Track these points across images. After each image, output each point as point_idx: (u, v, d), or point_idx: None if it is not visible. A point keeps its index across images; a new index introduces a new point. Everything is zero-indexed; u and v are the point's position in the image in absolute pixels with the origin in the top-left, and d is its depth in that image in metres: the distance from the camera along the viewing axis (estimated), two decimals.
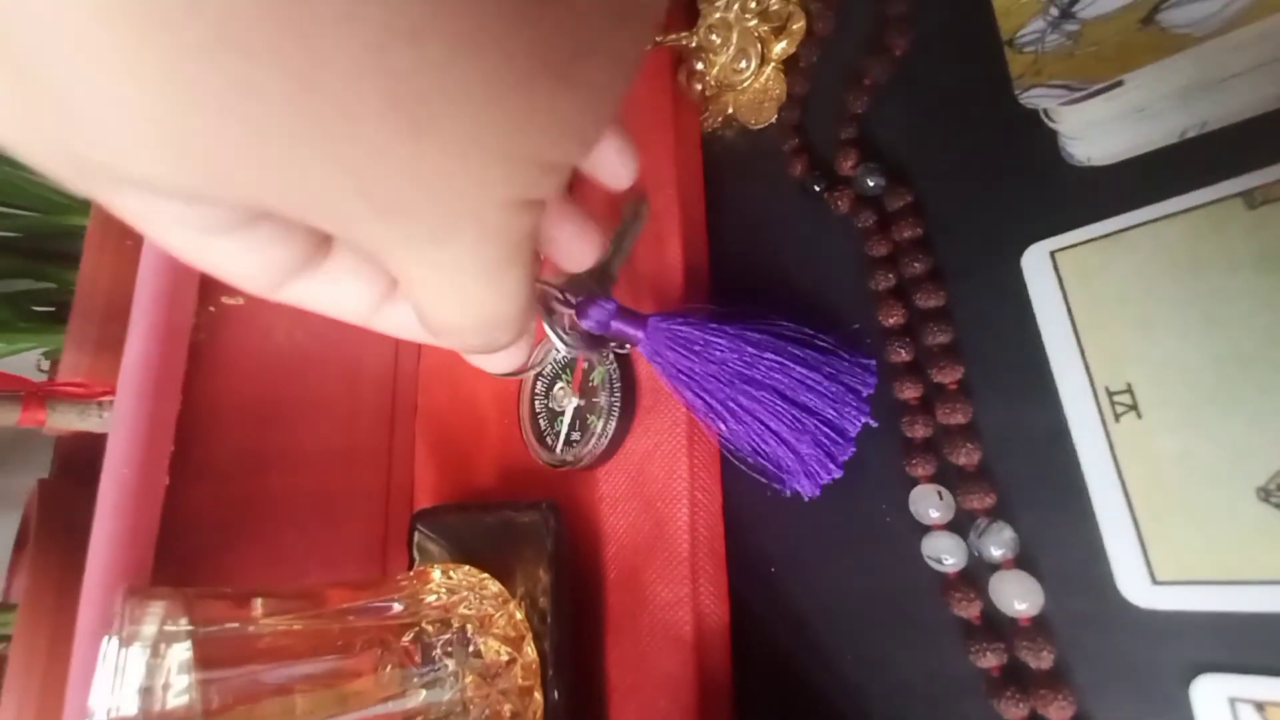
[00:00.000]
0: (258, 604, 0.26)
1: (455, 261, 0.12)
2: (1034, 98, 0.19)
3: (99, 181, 0.11)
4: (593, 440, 0.29)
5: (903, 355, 0.24)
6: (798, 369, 0.24)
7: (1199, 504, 0.18)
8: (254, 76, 0.09)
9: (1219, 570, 0.18)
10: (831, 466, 0.24)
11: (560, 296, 0.24)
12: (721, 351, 0.24)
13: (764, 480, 0.25)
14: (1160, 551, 0.19)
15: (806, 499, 0.25)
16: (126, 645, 0.22)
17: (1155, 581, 0.19)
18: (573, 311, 0.25)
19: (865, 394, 0.24)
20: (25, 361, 0.50)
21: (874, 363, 0.25)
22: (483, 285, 0.13)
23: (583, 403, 0.31)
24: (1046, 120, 0.20)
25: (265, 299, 0.15)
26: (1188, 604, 0.18)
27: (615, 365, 0.30)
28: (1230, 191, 0.19)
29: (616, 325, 0.25)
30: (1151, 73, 0.17)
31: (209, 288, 0.37)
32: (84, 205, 0.47)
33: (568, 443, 0.31)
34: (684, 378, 0.25)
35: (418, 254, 0.12)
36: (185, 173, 0.10)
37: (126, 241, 0.41)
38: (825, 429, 0.24)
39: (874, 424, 0.24)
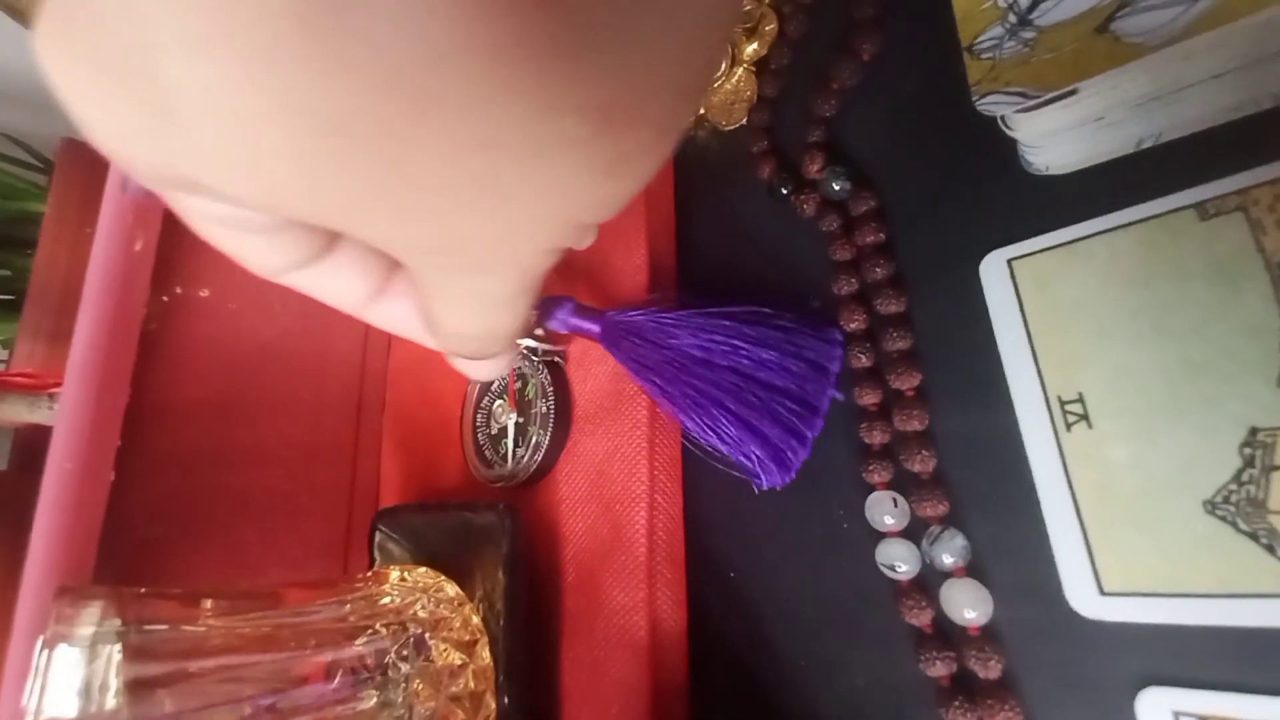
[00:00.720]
0: (207, 604, 0.25)
1: (486, 289, 0.14)
2: (990, 104, 0.19)
3: (177, 187, 0.12)
4: (528, 454, 0.30)
5: (863, 361, 0.24)
6: (755, 349, 0.23)
7: (1147, 515, 0.18)
8: (361, 148, 0.10)
9: (1166, 582, 0.18)
10: (797, 446, 0.23)
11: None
12: (676, 338, 0.24)
13: (732, 472, 0.25)
14: (1108, 562, 0.19)
15: (779, 488, 0.24)
16: (56, 645, 0.21)
17: (1103, 592, 0.19)
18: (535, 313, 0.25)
19: (832, 370, 0.24)
20: None
21: (839, 334, 0.24)
22: (501, 308, 0.15)
23: (521, 419, 0.32)
24: (1004, 128, 0.20)
25: (262, 280, 0.15)
26: (1134, 615, 0.18)
27: (548, 376, 0.30)
28: (1184, 203, 0.19)
29: (574, 321, 0.26)
30: (1105, 81, 0.17)
31: (163, 277, 0.36)
32: (42, 191, 0.46)
33: (511, 459, 0.32)
34: (640, 366, 0.25)
35: (454, 279, 0.14)
36: (275, 197, 0.11)
37: (85, 230, 0.40)
38: (789, 405, 0.23)
39: (840, 397, 0.24)
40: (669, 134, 0.12)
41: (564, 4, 0.09)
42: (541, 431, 0.30)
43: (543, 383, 0.30)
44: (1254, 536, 0.17)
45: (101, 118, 0.11)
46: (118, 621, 0.22)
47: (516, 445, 0.32)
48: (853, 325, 0.25)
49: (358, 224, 0.12)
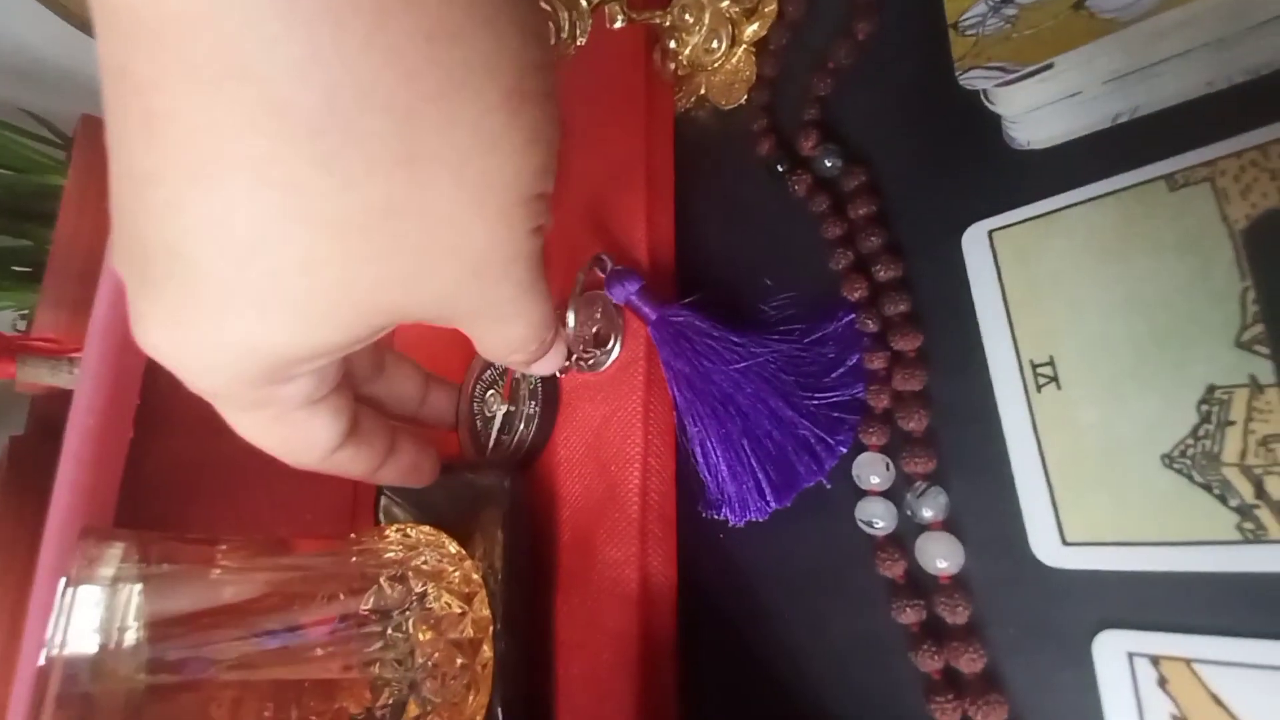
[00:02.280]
0: (222, 547, 0.27)
1: (513, 289, 0.17)
2: (972, 79, 0.20)
3: (268, 382, 0.16)
4: (513, 444, 0.32)
5: (870, 326, 0.25)
6: (774, 411, 0.25)
7: (1109, 470, 0.19)
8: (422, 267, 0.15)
9: (1124, 532, 0.19)
10: (751, 509, 0.25)
11: (601, 258, 0.30)
12: (711, 363, 0.26)
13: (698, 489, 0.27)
14: (1071, 514, 0.20)
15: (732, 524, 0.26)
16: (79, 584, 0.22)
17: (1065, 543, 0.20)
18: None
19: (828, 462, 0.25)
20: (1, 319, 0.50)
21: (855, 424, 0.25)
22: (530, 298, 0.18)
23: (511, 408, 0.33)
24: (987, 103, 0.21)
25: None
26: (1094, 564, 0.19)
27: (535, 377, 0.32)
28: (1154, 175, 0.20)
29: (635, 300, 0.28)
30: (1080, 55, 0.18)
31: None
32: (62, 165, 0.47)
33: (495, 445, 0.33)
34: (673, 373, 0.27)
35: (492, 297, 0.17)
36: (353, 320, 0.15)
37: (104, 203, 0.41)
38: (767, 473, 0.25)
39: (828, 485, 0.25)
40: (548, 104, 0.15)
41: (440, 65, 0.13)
42: (527, 426, 0.32)
43: (534, 379, 0.32)
44: (1208, 488, 0.18)
45: (213, 352, 0.15)
46: (139, 562, 0.24)
47: (502, 433, 0.33)
48: (856, 294, 0.25)
49: (418, 300, 0.16)
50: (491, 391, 0.35)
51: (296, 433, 0.18)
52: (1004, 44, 0.19)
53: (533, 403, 0.32)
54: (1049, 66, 0.19)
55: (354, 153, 0.12)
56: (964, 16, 0.21)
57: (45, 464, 0.42)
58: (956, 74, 0.20)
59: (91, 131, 0.45)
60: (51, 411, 0.52)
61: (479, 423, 0.35)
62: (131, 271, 0.15)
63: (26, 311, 0.51)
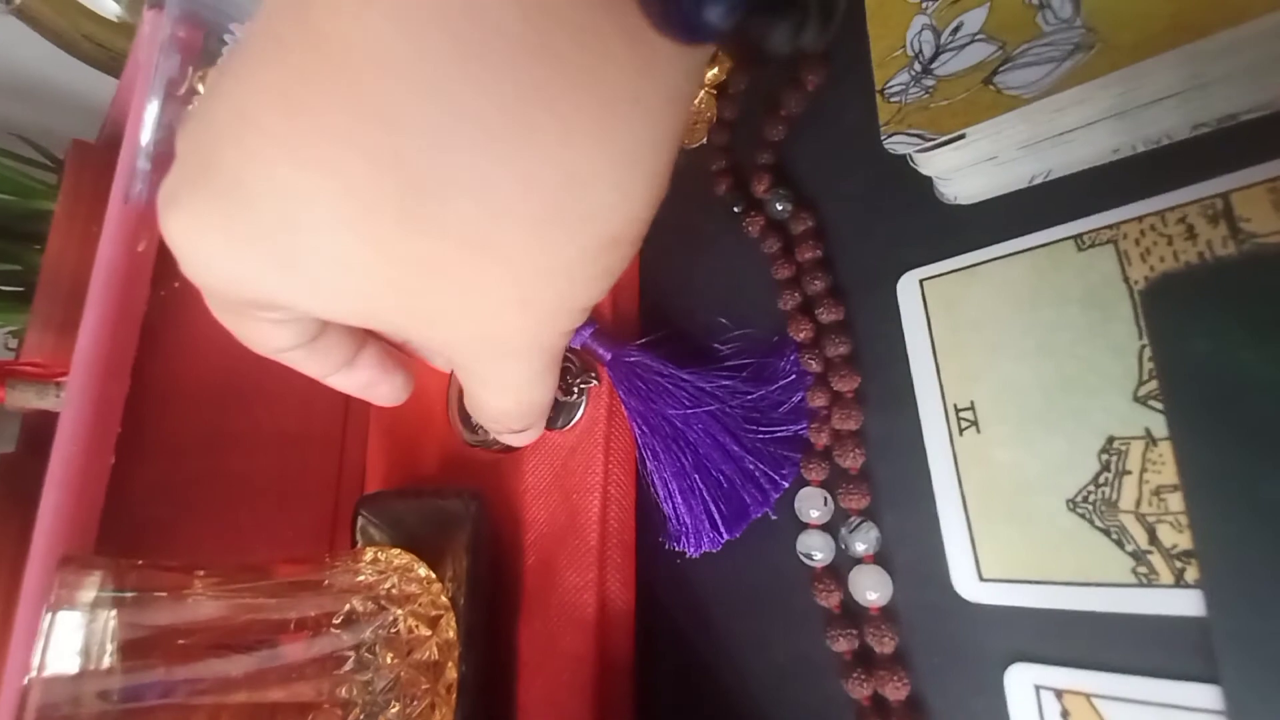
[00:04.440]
0: (199, 574, 0.28)
1: (523, 371, 0.18)
2: (895, 144, 0.21)
3: (253, 306, 0.16)
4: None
5: (814, 366, 0.26)
6: (723, 446, 0.27)
7: (1020, 511, 0.21)
8: (433, 284, 0.14)
9: (1034, 571, 0.20)
10: (705, 540, 0.27)
11: None
12: (663, 400, 0.28)
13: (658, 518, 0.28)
14: (987, 551, 0.21)
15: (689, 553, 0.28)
16: (59, 610, 0.23)
17: (981, 578, 0.21)
18: None
19: (772, 495, 0.26)
20: None
21: (798, 460, 0.26)
22: (535, 385, 0.18)
23: None
24: (912, 164, 0.22)
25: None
26: (1007, 599, 0.21)
27: None
28: (1065, 234, 0.21)
29: (591, 343, 0.30)
30: (990, 127, 0.20)
31: (162, 272, 0.39)
32: (53, 190, 0.48)
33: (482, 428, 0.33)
34: (630, 409, 0.29)
35: (497, 367, 0.17)
36: (357, 316, 0.15)
37: (92, 228, 0.42)
38: (719, 506, 0.26)
39: (774, 516, 0.26)
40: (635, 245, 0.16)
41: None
42: None
43: None
44: (1106, 532, 0.19)
45: (218, 268, 0.14)
46: (116, 588, 0.25)
47: None
48: (801, 334, 0.27)
49: (419, 332, 0.16)
50: None
51: (257, 332, 0.17)
52: (923, 112, 0.21)
53: None
54: (961, 136, 0.20)
55: (435, 216, 0.13)
56: (889, 83, 0.22)
57: (34, 481, 0.44)
58: (882, 138, 0.22)
59: (81, 157, 0.46)
60: (43, 428, 0.53)
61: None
62: (192, 160, 0.14)
63: (17, 329, 0.53)
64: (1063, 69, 0.19)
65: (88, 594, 0.25)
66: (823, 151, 0.29)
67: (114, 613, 0.24)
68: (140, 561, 0.27)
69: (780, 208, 0.29)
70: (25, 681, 0.24)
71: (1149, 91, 0.18)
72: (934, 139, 0.20)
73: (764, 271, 0.29)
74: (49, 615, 0.23)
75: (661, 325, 0.32)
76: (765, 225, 0.29)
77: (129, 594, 0.25)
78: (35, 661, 0.23)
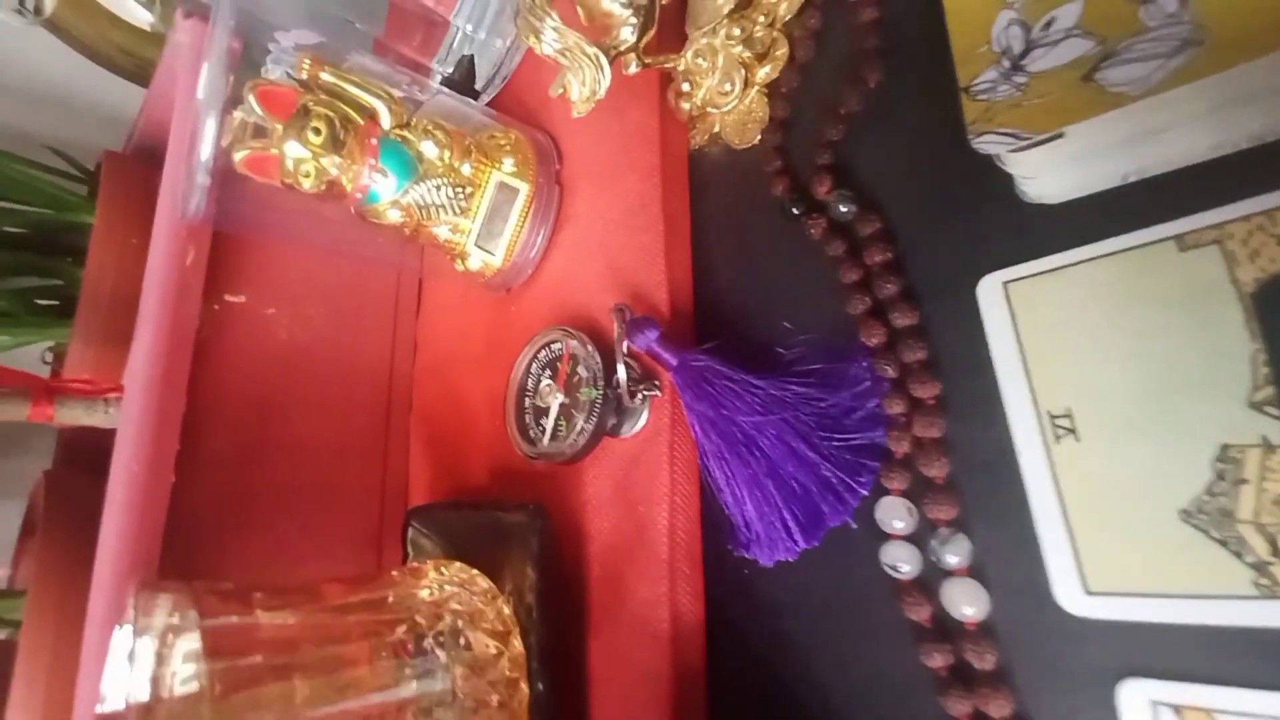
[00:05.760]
0: (258, 597, 0.28)
1: None
2: (985, 143, 0.20)
3: None
4: (573, 435, 0.31)
5: (889, 372, 0.26)
6: (797, 453, 0.26)
7: (1128, 522, 0.20)
8: None
9: (1145, 583, 0.20)
10: (780, 549, 0.26)
11: (622, 308, 0.30)
12: (733, 406, 0.27)
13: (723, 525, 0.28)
14: (1094, 564, 0.20)
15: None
16: (138, 636, 0.23)
17: (1089, 592, 0.20)
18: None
19: (851, 503, 0.25)
20: (29, 354, 0.51)
21: (876, 468, 0.25)
22: None
23: (567, 400, 0.33)
24: (999, 163, 0.21)
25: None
26: (1117, 614, 0.20)
27: (600, 365, 0.31)
28: (1163, 235, 0.20)
29: (656, 348, 0.29)
30: (1089, 126, 0.19)
31: (213, 286, 0.38)
32: (84, 201, 0.48)
33: (552, 437, 0.33)
34: (696, 415, 0.28)
35: None
36: None
37: (131, 240, 0.42)
38: (794, 514, 0.26)
39: (854, 526, 0.25)
40: None
41: None
42: (588, 417, 0.30)
43: (594, 371, 0.31)
44: (1224, 543, 0.18)
45: None
46: (193, 613, 0.25)
47: (558, 428, 0.33)
48: (874, 340, 0.26)
49: None
50: (548, 379, 0.33)
51: None
52: (1014, 111, 0.20)
53: (589, 393, 0.31)
54: (1059, 135, 0.19)
55: None
56: (975, 81, 0.21)
57: (79, 495, 0.43)
58: (969, 138, 0.21)
59: (116, 168, 0.46)
60: (79, 440, 0.53)
61: (529, 415, 0.34)
62: None
63: (53, 344, 0.52)
64: (1171, 65, 0.18)
65: (159, 619, 0.25)
66: (887, 150, 0.28)
67: (195, 635, 0.24)
68: (204, 585, 0.27)
69: (844, 209, 0.28)
70: (102, 710, 0.24)
71: (1258, 87, 0.17)
72: (1029, 138, 0.20)
73: (827, 275, 0.29)
74: (133, 641, 0.23)
75: (718, 328, 0.32)
76: (828, 227, 0.29)
77: (199, 620, 0.25)
78: (118, 689, 0.23)
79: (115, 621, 0.24)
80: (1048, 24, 0.20)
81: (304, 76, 0.28)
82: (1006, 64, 0.21)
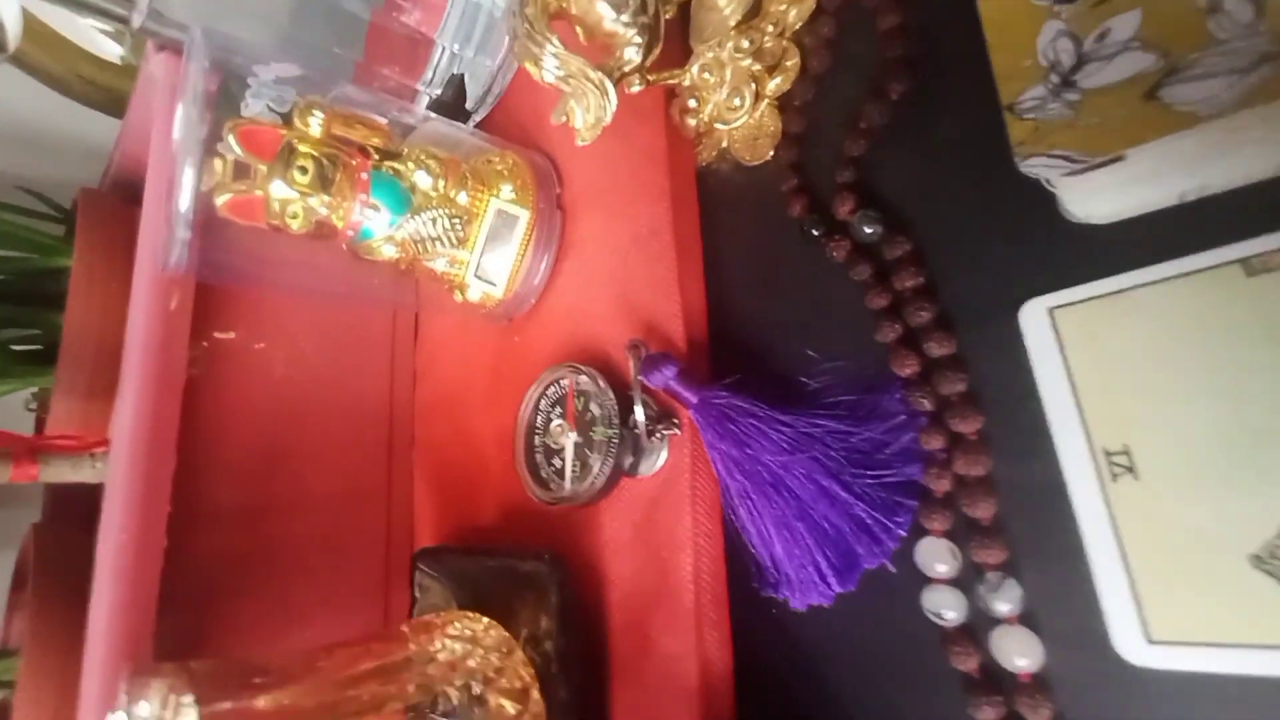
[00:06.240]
0: (258, 682, 0.26)
1: None
2: (1035, 167, 0.19)
3: None
4: (589, 478, 0.29)
5: (925, 405, 0.24)
6: (828, 492, 0.24)
7: (1194, 568, 0.19)
8: None
9: (1213, 633, 0.18)
10: (813, 593, 0.25)
11: (637, 344, 0.28)
12: (758, 445, 0.25)
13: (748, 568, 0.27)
14: (1156, 611, 0.19)
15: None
16: None
17: (1151, 640, 0.19)
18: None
19: (889, 544, 0.24)
20: (13, 401, 0.49)
21: (913, 507, 0.24)
22: None
23: (581, 439, 0.31)
24: (1047, 185, 0.20)
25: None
26: (1182, 664, 0.19)
27: (614, 402, 0.29)
28: (1229, 258, 0.19)
29: (675, 386, 0.27)
30: (1155, 148, 0.17)
31: (203, 322, 0.36)
32: (61, 243, 0.46)
33: (567, 478, 0.31)
34: (718, 454, 0.26)
35: None
36: None
37: (112, 285, 0.40)
38: (827, 557, 0.24)
39: (892, 569, 0.24)
40: None
41: None
42: (605, 457, 0.29)
43: (608, 409, 0.29)
44: None
45: None
46: (188, 698, 0.23)
47: (574, 469, 0.31)
48: (907, 370, 0.25)
49: None
50: (558, 417, 0.32)
51: None
52: (1069, 131, 0.19)
53: (605, 431, 0.29)
54: (1120, 158, 0.18)
55: None
56: (1021, 98, 0.20)
57: (69, 550, 0.42)
58: (1015, 159, 0.19)
59: (92, 208, 0.44)
60: (69, 495, 0.51)
61: (539, 454, 0.32)
62: None
63: (35, 390, 0.50)
64: (1247, 81, 0.16)
65: (153, 706, 0.23)
66: (914, 168, 0.27)
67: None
68: (199, 665, 0.25)
69: (869, 230, 0.27)
70: None
71: None
72: (1085, 160, 0.18)
73: (853, 300, 0.27)
74: None
75: (734, 356, 0.30)
76: (852, 250, 0.27)
77: (195, 706, 0.23)
78: None
79: (108, 708, 0.22)
80: (1101, 35, 0.18)
81: (318, 134, 0.27)
82: (1056, 80, 0.19)
